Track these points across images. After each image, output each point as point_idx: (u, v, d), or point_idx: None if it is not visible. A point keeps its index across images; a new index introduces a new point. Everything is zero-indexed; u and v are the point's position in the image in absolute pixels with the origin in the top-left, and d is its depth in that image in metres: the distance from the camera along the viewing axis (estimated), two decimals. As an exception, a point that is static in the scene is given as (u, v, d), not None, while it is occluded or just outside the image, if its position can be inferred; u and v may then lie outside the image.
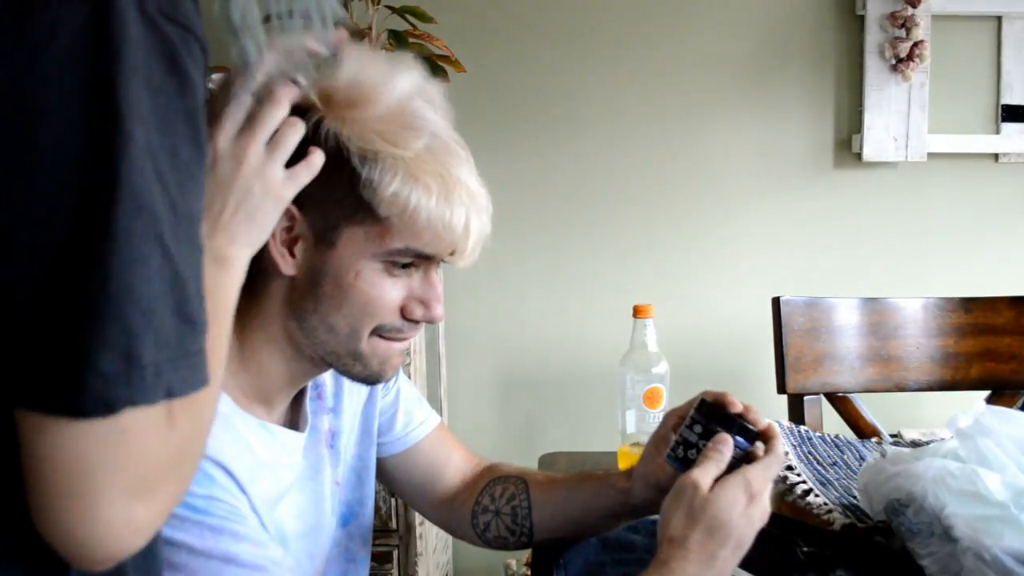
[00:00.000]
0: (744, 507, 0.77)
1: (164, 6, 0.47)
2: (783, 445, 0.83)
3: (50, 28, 0.44)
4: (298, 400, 0.88)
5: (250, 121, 0.70)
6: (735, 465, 0.80)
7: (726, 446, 0.81)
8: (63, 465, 0.45)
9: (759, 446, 0.82)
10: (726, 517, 0.76)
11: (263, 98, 0.71)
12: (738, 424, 0.82)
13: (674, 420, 0.91)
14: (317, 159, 0.73)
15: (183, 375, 0.48)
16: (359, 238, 0.77)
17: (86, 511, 0.46)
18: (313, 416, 0.89)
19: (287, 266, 0.78)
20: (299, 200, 0.75)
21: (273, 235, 0.75)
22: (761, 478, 0.79)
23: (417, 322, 0.82)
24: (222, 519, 0.71)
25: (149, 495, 0.48)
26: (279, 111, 0.71)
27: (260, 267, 0.77)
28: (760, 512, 0.79)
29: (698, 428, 0.82)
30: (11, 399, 0.46)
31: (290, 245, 0.78)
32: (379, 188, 0.75)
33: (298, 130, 0.72)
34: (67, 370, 0.44)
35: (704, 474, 0.79)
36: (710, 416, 0.83)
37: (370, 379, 0.83)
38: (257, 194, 0.69)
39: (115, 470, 0.46)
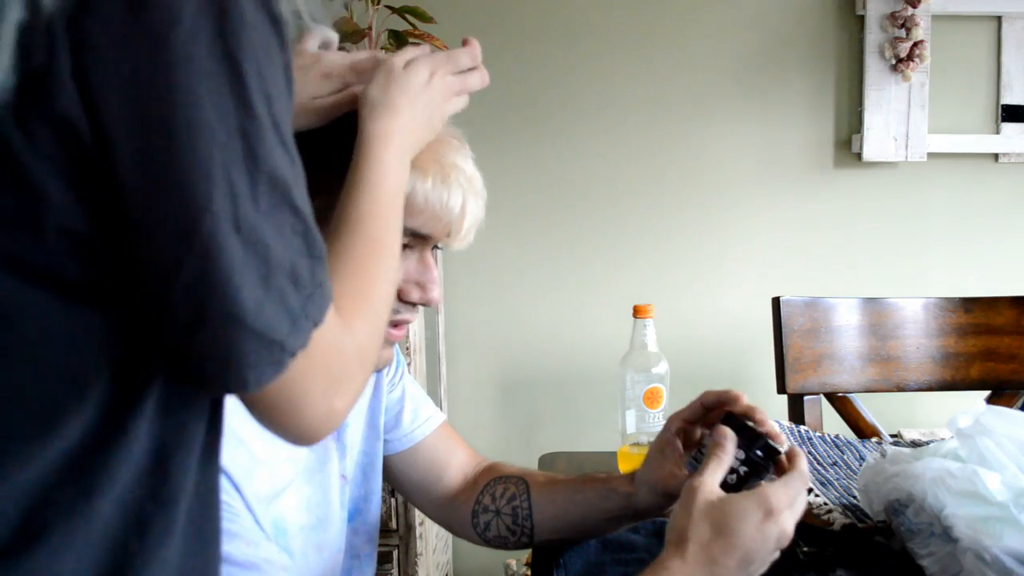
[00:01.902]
0: (759, 522, 0.74)
1: None
2: (806, 465, 0.80)
3: (170, 13, 0.44)
4: None
5: (796, 508, 0.77)
6: (754, 479, 0.79)
7: (728, 440, 0.80)
8: (267, 393, 0.53)
9: (784, 462, 0.81)
10: (734, 526, 0.74)
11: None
12: (762, 440, 0.80)
13: (677, 424, 0.91)
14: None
15: (320, 303, 0.54)
16: None
17: (295, 414, 0.56)
18: None
19: None
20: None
21: None
22: (780, 495, 0.75)
23: (414, 304, 0.83)
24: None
25: (342, 389, 0.58)
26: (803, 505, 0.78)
27: None
28: (778, 532, 0.74)
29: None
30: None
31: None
32: None
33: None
34: (263, 339, 0.50)
35: (708, 474, 0.78)
36: (737, 431, 0.81)
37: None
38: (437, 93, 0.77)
39: (312, 380, 0.55)
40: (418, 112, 0.76)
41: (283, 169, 0.50)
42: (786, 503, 0.76)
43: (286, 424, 0.57)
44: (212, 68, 0.45)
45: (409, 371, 1.77)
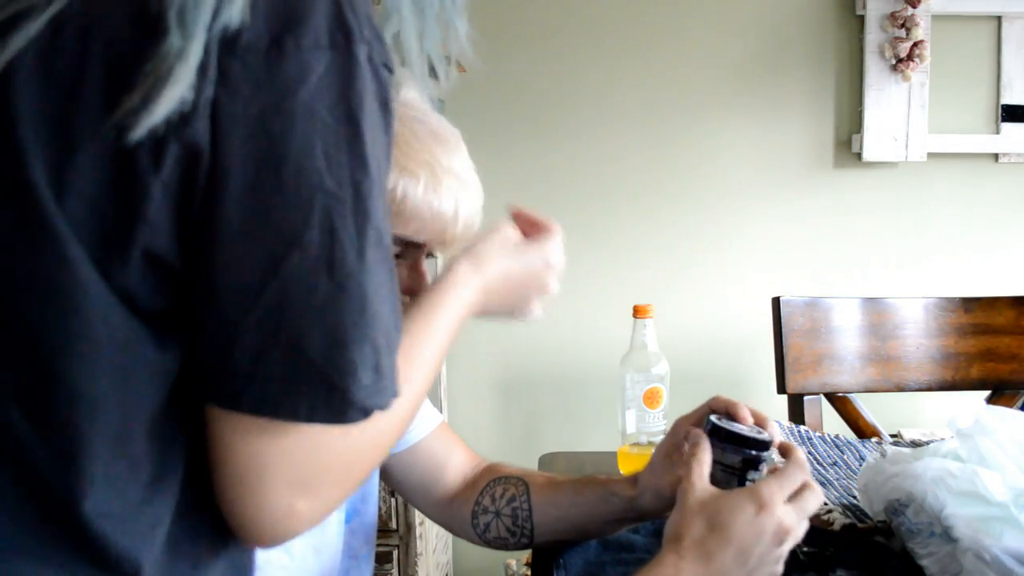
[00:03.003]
0: (752, 516, 0.74)
1: (379, 54, 0.52)
2: (803, 456, 0.80)
3: (300, 72, 0.48)
4: None
5: (800, 506, 0.76)
6: (753, 473, 0.80)
7: (700, 437, 0.81)
8: (243, 459, 0.52)
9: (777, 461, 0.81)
10: (726, 520, 0.74)
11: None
12: (750, 441, 0.81)
13: (684, 429, 0.91)
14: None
15: (396, 377, 0.55)
16: None
17: (252, 498, 0.52)
18: None
19: None
20: None
21: None
22: (773, 487, 0.75)
23: None
24: None
25: (311, 493, 0.54)
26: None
27: None
28: (775, 526, 0.74)
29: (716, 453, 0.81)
30: (204, 397, 0.52)
31: None
32: None
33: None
34: (335, 386, 0.50)
35: (695, 474, 0.78)
36: (725, 439, 0.81)
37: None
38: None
39: (284, 467, 0.52)
40: (509, 291, 0.79)
41: (386, 233, 0.52)
42: (779, 496, 0.75)
43: (240, 508, 0.53)
44: (333, 125, 0.49)
45: (409, 371, 1.78)
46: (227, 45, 0.47)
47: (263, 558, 0.75)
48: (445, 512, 1.04)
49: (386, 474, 1.04)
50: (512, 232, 0.81)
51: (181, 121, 0.46)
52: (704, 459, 0.80)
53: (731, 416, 0.85)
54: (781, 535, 0.74)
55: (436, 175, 0.80)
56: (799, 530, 0.76)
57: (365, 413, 0.52)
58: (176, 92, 0.45)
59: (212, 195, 0.48)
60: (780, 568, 0.76)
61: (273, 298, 0.49)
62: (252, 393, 0.50)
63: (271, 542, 0.55)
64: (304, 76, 0.48)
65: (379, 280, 0.52)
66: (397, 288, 0.55)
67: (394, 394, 0.54)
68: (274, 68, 0.48)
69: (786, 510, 0.75)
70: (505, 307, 0.80)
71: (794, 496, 0.77)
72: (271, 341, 0.49)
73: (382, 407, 0.53)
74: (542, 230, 0.84)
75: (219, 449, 0.52)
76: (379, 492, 1.73)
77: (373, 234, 0.51)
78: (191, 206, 0.48)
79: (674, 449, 0.90)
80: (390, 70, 0.53)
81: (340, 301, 0.50)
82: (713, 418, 0.84)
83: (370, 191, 0.51)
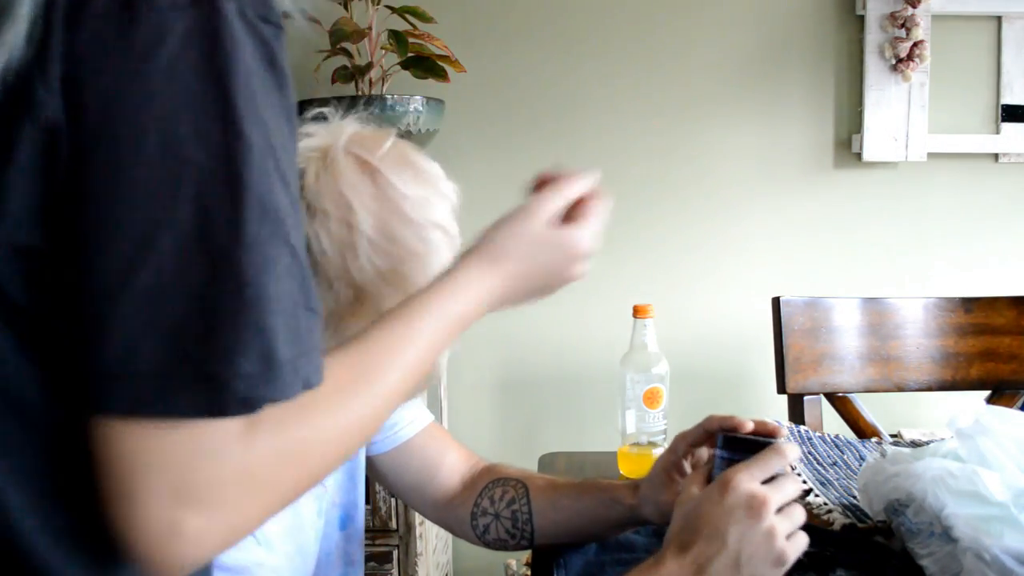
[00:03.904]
0: (717, 497, 0.73)
1: (259, 8, 0.48)
2: (785, 445, 0.79)
3: (156, 34, 0.44)
4: None
5: (776, 484, 0.73)
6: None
7: (708, 455, 0.81)
8: (118, 467, 0.45)
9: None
10: (696, 509, 0.74)
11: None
12: (761, 444, 0.80)
13: (684, 447, 0.90)
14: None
15: (315, 365, 0.49)
16: None
17: (129, 510, 0.45)
18: None
19: None
20: None
21: None
22: (739, 469, 0.74)
23: None
24: None
25: (203, 507, 0.46)
26: (794, 486, 0.74)
27: None
28: (742, 500, 0.72)
29: (725, 464, 0.80)
30: (95, 404, 0.45)
31: None
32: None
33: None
34: (209, 375, 0.45)
35: (689, 482, 0.79)
36: (736, 447, 0.81)
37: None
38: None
39: (164, 474, 0.45)
40: (531, 280, 0.71)
41: (277, 202, 0.47)
42: (746, 476, 0.74)
43: (120, 526, 0.46)
44: (198, 89, 0.45)
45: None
46: (72, 15, 0.43)
47: (254, 560, 0.74)
48: (444, 513, 1.04)
49: (380, 476, 1.04)
50: (543, 223, 0.72)
51: (30, 102, 0.43)
52: (697, 475, 0.80)
53: (734, 429, 0.85)
54: (756, 509, 0.72)
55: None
56: (776, 502, 0.73)
57: (249, 406, 0.46)
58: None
59: (74, 175, 0.44)
60: (779, 545, 0.73)
61: (143, 284, 0.44)
62: (125, 392, 0.44)
63: (161, 566, 0.46)
64: (161, 38, 0.44)
65: (266, 257, 0.46)
66: (303, 265, 0.49)
67: (302, 385, 0.48)
68: (127, 33, 0.44)
69: (756, 485, 0.73)
70: (524, 299, 0.74)
71: (771, 480, 0.76)
72: (142, 332, 0.44)
73: (274, 399, 0.47)
74: (583, 211, 0.75)
75: (98, 460, 0.45)
76: (379, 493, 1.74)
77: (254, 206, 0.46)
78: (55, 188, 0.44)
79: (672, 466, 0.90)
80: (275, 24, 0.49)
81: (215, 281, 0.45)
82: (711, 425, 0.85)
83: (247, 159, 0.46)
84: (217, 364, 0.45)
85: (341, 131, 0.74)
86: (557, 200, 0.73)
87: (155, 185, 0.44)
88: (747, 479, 0.74)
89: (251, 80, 0.47)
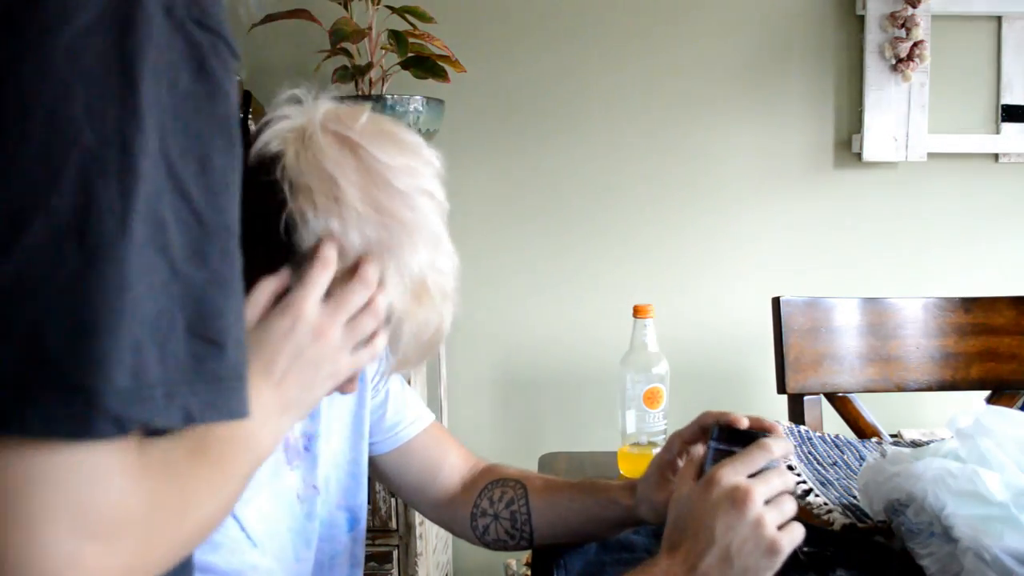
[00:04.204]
0: (701, 492, 0.73)
1: (193, 11, 0.45)
2: (769, 443, 0.78)
3: (65, 10, 0.41)
4: None
5: (336, 299, 0.67)
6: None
7: (697, 451, 0.82)
8: (10, 486, 0.41)
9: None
10: (683, 507, 0.75)
11: (348, 272, 0.67)
12: (757, 437, 0.80)
13: (679, 444, 0.91)
14: (380, 343, 0.70)
15: (206, 399, 0.45)
16: (266, 292, 0.69)
17: (22, 540, 0.41)
18: None
19: None
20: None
21: None
22: (723, 464, 0.75)
23: None
24: None
25: (106, 539, 0.42)
26: (364, 291, 0.68)
27: None
28: (724, 493, 0.72)
29: (718, 455, 0.81)
30: None
31: None
32: (302, 271, 0.68)
33: (377, 319, 0.69)
34: (78, 386, 0.40)
35: (682, 478, 0.79)
36: (730, 439, 0.81)
37: None
38: (324, 370, 0.66)
39: (58, 499, 0.41)
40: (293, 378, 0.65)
41: (161, 210, 0.43)
42: (730, 471, 0.74)
43: (13, 551, 0.40)
44: (101, 74, 0.42)
45: (409, 371, 1.77)
46: None
47: (249, 563, 0.74)
48: (444, 513, 1.04)
49: (382, 475, 1.04)
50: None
51: None
52: (690, 466, 0.80)
53: (729, 425, 0.85)
54: (740, 500, 0.72)
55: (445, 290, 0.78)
56: (762, 494, 0.73)
57: (120, 426, 0.41)
58: None
59: None
60: (769, 533, 0.72)
61: (8, 277, 0.39)
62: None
63: None
64: (68, 16, 0.41)
65: (148, 263, 0.42)
66: (200, 288, 0.44)
67: (182, 417, 0.43)
68: (32, 5, 0.41)
69: (740, 479, 0.74)
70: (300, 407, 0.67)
71: (757, 475, 0.76)
72: (2, 333, 0.39)
73: (146, 420, 0.42)
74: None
75: None
76: (379, 493, 1.74)
77: (143, 203, 0.42)
78: None
79: (667, 465, 0.90)
80: (211, 30, 0.46)
81: (90, 278, 0.40)
82: (707, 420, 0.85)
83: (143, 150, 0.42)
84: (88, 373, 0.40)
85: (316, 109, 0.73)
86: (735, 474, 0.75)
87: (34, 165, 0.40)
88: (731, 473, 0.74)
89: (164, 79, 0.44)
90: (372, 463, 1.02)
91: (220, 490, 0.53)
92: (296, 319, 0.65)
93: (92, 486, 0.42)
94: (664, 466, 0.91)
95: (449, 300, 0.78)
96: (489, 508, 1.01)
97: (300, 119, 0.71)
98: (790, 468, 1.17)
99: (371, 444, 1.00)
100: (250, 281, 0.61)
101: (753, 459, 0.76)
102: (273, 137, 0.69)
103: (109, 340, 0.40)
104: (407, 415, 1.03)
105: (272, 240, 0.67)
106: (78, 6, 0.41)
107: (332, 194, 0.68)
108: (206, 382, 0.45)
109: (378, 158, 0.71)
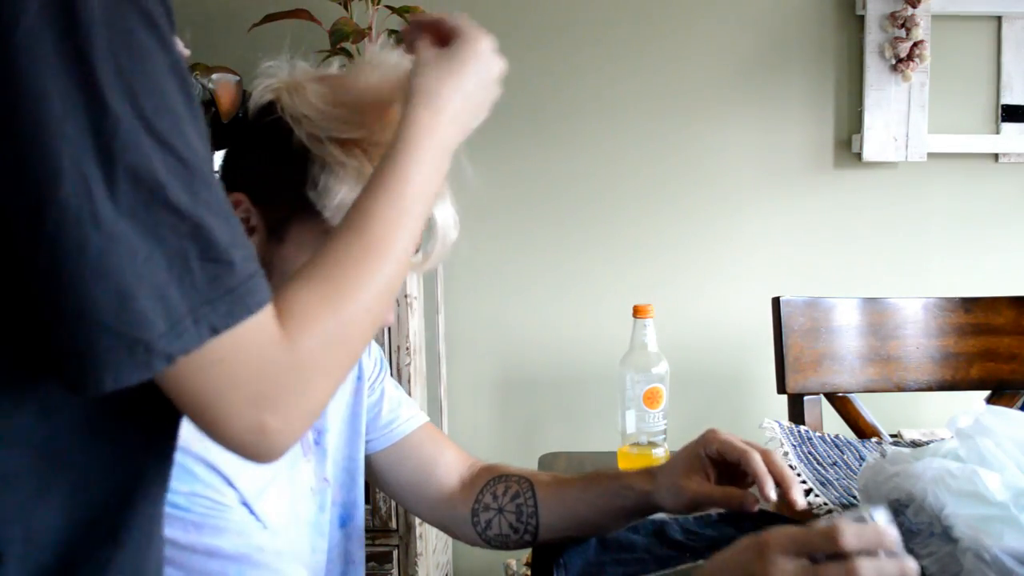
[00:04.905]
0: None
1: None
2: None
3: (12, 13, 0.45)
4: None
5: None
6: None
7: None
8: (184, 396, 0.52)
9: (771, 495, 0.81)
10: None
11: None
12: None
13: (717, 443, 0.89)
14: None
15: (227, 310, 0.51)
16: (307, 236, 0.78)
17: (218, 426, 0.53)
18: None
19: None
20: (252, 191, 0.78)
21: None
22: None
23: None
24: (203, 515, 0.71)
25: (273, 406, 0.54)
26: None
27: None
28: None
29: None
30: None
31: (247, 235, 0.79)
32: (325, 193, 0.76)
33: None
34: (136, 340, 0.48)
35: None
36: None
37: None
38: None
39: (228, 390, 0.52)
40: (470, 102, 0.75)
41: (152, 168, 0.48)
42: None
43: (217, 437, 0.54)
44: (59, 64, 0.46)
45: (409, 371, 1.78)
46: None
47: (255, 546, 0.75)
48: (441, 511, 1.04)
49: (376, 475, 1.04)
50: (431, 50, 0.75)
51: None
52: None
53: (723, 454, 0.86)
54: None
55: None
56: None
57: (169, 359, 0.49)
58: None
59: None
60: None
61: (44, 268, 0.46)
62: (68, 374, 0.48)
63: (263, 458, 0.55)
64: (16, 16, 0.45)
65: (147, 223, 0.48)
66: (198, 220, 0.50)
67: (209, 331, 0.50)
68: None
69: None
70: (473, 123, 0.78)
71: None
72: (55, 314, 0.47)
73: (185, 350, 0.50)
74: (452, 31, 0.78)
75: (178, 400, 0.52)
76: (379, 493, 1.74)
77: (127, 178, 0.47)
78: None
79: (697, 459, 0.89)
80: None
81: (113, 252, 0.47)
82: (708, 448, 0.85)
83: (115, 130, 0.47)
84: (140, 328, 0.48)
85: (295, 68, 0.83)
86: (421, 38, 0.77)
87: (34, 165, 0.45)
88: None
89: (123, 46, 0.47)
90: (367, 463, 1.02)
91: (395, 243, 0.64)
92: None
93: (256, 371, 0.53)
94: (692, 460, 0.90)
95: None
96: (493, 502, 1.01)
97: (284, 77, 0.82)
98: (790, 468, 1.17)
99: (366, 442, 1.01)
100: (277, 196, 0.75)
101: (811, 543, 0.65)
102: (265, 90, 0.80)
103: (142, 297, 0.48)
104: (402, 413, 1.03)
105: (293, 158, 0.77)
106: (22, 6, 0.45)
107: (324, 112, 0.78)
108: (223, 296, 0.51)
109: (356, 79, 0.82)
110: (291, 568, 0.77)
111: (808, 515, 1.03)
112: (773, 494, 0.82)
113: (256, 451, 0.55)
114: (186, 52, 0.96)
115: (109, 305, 0.47)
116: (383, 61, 0.82)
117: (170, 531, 0.69)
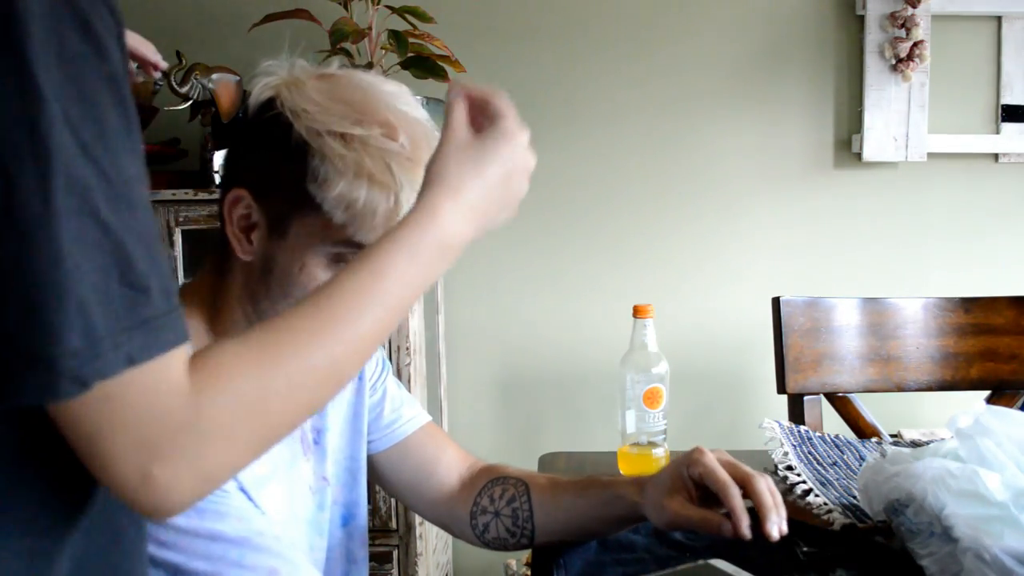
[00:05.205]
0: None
1: None
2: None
3: None
4: None
5: None
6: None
7: None
8: (72, 430, 0.48)
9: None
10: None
11: None
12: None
13: (701, 468, 0.86)
14: None
15: (142, 342, 0.49)
16: (307, 231, 0.79)
17: (104, 467, 0.49)
18: None
19: (243, 252, 0.80)
20: (253, 187, 0.77)
21: (229, 219, 0.78)
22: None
23: None
24: (205, 501, 0.71)
25: (162, 459, 0.49)
26: None
27: (228, 248, 0.80)
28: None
29: None
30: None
31: (247, 231, 0.80)
32: (324, 185, 0.76)
33: None
34: (38, 356, 0.45)
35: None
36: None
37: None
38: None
39: (117, 430, 0.48)
40: (492, 196, 0.69)
41: (84, 173, 0.46)
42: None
43: (103, 479, 0.50)
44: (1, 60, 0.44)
45: (409, 371, 1.78)
46: None
47: (255, 530, 0.75)
48: (441, 512, 1.04)
49: (378, 474, 1.04)
50: (466, 134, 0.70)
51: None
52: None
53: (703, 481, 0.84)
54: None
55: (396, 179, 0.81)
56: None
57: (82, 384, 0.46)
58: None
59: None
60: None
61: None
62: None
63: (147, 512, 0.51)
64: None
65: (76, 229, 0.46)
66: (120, 239, 0.48)
67: (126, 361, 0.47)
68: None
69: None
70: (493, 221, 0.71)
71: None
72: None
73: (103, 375, 0.46)
74: (493, 114, 0.72)
75: (64, 435, 0.49)
76: (379, 493, 1.74)
77: (60, 177, 0.45)
78: None
79: (679, 479, 0.87)
80: None
81: (28, 258, 0.44)
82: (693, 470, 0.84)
83: (49, 129, 0.45)
84: (45, 344, 0.45)
85: (295, 66, 0.83)
86: (458, 109, 0.71)
87: None
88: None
89: (54, 50, 0.46)
90: (369, 462, 1.02)
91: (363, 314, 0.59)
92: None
93: (149, 417, 0.49)
94: (675, 479, 0.88)
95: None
96: (490, 506, 1.01)
97: (283, 75, 0.83)
98: (790, 468, 1.17)
99: (368, 442, 1.01)
100: (278, 191, 0.74)
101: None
102: (265, 87, 0.81)
103: (56, 309, 0.45)
104: (404, 413, 1.03)
105: (293, 152, 0.77)
106: None
107: (323, 106, 0.79)
108: (139, 326, 0.49)
109: (353, 80, 0.83)
110: (291, 552, 0.77)
111: (808, 515, 1.03)
112: (748, 533, 0.80)
113: (142, 501, 0.50)
114: (161, 64, 0.98)
115: (16, 314, 0.44)
116: (413, 107, 0.84)
117: None
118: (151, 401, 0.49)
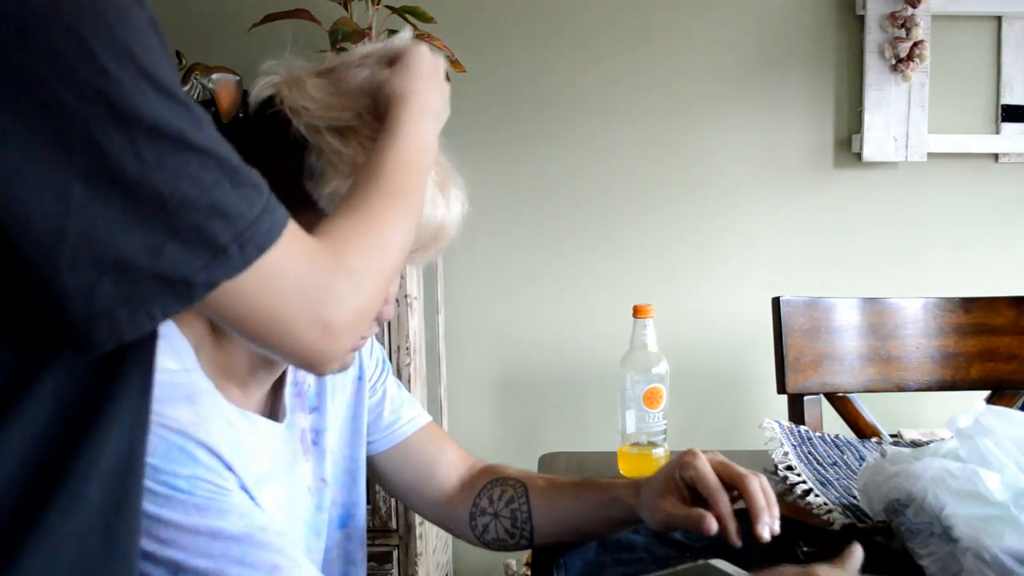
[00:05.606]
0: None
1: None
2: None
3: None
4: (277, 393, 0.88)
5: None
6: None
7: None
8: (253, 316, 0.56)
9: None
10: None
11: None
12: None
13: (692, 471, 0.87)
14: None
15: (271, 221, 0.55)
16: (305, 229, 0.78)
17: (286, 336, 0.58)
18: (291, 412, 0.89)
19: None
20: None
21: None
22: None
23: None
24: (207, 498, 0.71)
25: (332, 304, 0.59)
26: None
27: None
28: None
29: None
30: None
31: None
32: (319, 181, 0.77)
33: None
34: (173, 281, 0.51)
35: None
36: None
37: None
38: None
39: (290, 298, 0.57)
40: (432, 90, 0.80)
41: (166, 117, 0.50)
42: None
43: (286, 348, 0.58)
44: (51, 43, 0.47)
45: (409, 371, 1.78)
46: None
47: (257, 526, 0.75)
48: (442, 512, 1.04)
49: (379, 475, 1.04)
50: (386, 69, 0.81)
51: None
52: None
53: (695, 485, 0.84)
54: None
55: (444, 181, 0.82)
56: None
57: (212, 286, 0.52)
58: None
59: None
60: None
61: (76, 234, 0.48)
62: (101, 329, 0.49)
63: (334, 361, 0.62)
64: (5, 3, 0.46)
65: (172, 169, 0.50)
66: (219, 152, 0.53)
67: (257, 251, 0.54)
68: None
69: None
70: (445, 115, 0.82)
71: None
72: (94, 273, 0.48)
73: (229, 275, 0.53)
74: (397, 55, 0.83)
75: (232, 322, 0.56)
76: (379, 493, 1.74)
77: (145, 135, 0.49)
78: None
79: (672, 481, 0.87)
80: None
81: (139, 209, 0.49)
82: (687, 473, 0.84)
83: (122, 94, 0.48)
84: (177, 269, 0.50)
85: (293, 64, 0.84)
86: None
87: (50, 144, 0.47)
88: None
89: (101, 11, 0.48)
90: (370, 463, 1.02)
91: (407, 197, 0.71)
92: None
93: (306, 278, 0.57)
94: (668, 482, 0.88)
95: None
96: (489, 507, 1.01)
97: (284, 73, 0.83)
98: (790, 468, 1.17)
99: (368, 443, 1.01)
100: (275, 189, 0.73)
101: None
102: (265, 86, 0.82)
103: (176, 240, 0.50)
104: (404, 414, 1.03)
105: (291, 150, 0.78)
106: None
107: (321, 100, 0.80)
108: (264, 210, 0.55)
109: (351, 72, 0.84)
110: (292, 549, 0.77)
111: (808, 515, 1.03)
112: (737, 541, 0.80)
113: (323, 354, 0.59)
114: None
115: (145, 253, 0.49)
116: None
117: (171, 514, 0.69)
118: (303, 262, 0.57)
